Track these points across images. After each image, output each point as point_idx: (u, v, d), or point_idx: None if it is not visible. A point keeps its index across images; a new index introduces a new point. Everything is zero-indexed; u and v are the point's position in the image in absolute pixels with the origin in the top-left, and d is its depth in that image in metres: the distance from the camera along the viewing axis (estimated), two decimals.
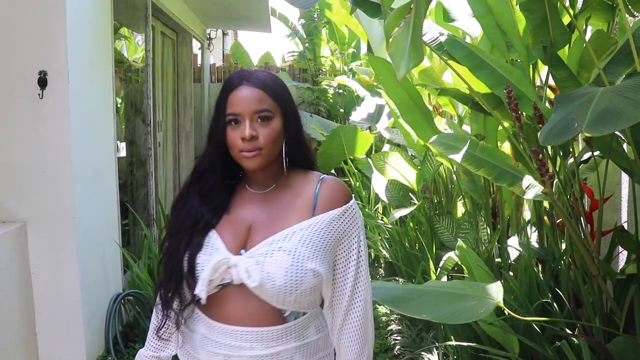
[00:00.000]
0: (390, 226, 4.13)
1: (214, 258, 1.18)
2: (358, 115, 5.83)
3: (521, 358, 2.31)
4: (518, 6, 2.36)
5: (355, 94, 7.02)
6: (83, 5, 3.02)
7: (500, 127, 2.89)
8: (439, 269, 3.20)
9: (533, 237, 2.88)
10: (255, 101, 1.21)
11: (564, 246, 2.61)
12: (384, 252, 4.49)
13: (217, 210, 1.27)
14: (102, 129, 3.34)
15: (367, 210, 5.05)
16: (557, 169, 2.46)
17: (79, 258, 2.92)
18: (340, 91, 7.75)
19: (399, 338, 3.45)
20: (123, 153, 3.87)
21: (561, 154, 2.38)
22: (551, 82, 2.55)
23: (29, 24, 2.76)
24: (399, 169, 4.00)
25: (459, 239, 3.06)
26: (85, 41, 3.07)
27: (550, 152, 2.45)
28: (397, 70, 1.72)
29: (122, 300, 3.35)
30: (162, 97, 5.50)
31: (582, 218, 2.26)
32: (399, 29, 1.81)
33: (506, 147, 3.17)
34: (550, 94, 2.64)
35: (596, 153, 2.24)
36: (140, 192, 4.39)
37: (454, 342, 2.63)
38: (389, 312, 3.91)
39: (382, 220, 4.69)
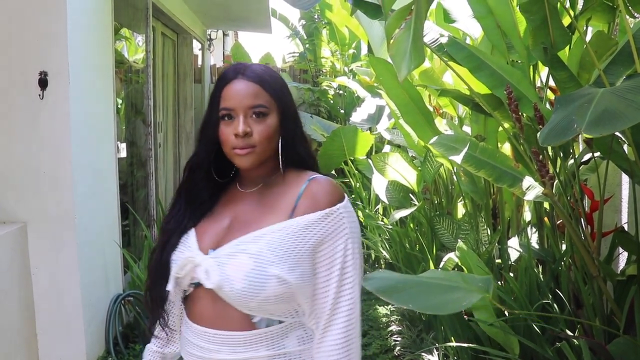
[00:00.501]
0: (390, 227, 4.13)
1: (184, 256, 1.16)
2: (358, 116, 5.83)
3: (521, 359, 2.31)
4: (518, 7, 2.36)
5: (356, 94, 7.02)
6: (83, 6, 3.02)
7: (500, 128, 2.89)
8: (439, 270, 3.20)
9: (533, 238, 2.88)
10: (250, 96, 1.15)
11: (564, 247, 2.61)
12: (384, 253, 4.49)
13: (201, 208, 1.23)
14: (102, 129, 3.34)
15: (367, 211, 5.05)
16: (558, 170, 2.46)
17: (79, 259, 2.92)
18: (341, 92, 7.75)
19: (399, 339, 3.45)
20: (123, 154, 3.87)
21: (561, 155, 2.39)
22: (551, 83, 2.55)
23: (29, 25, 2.76)
24: (400, 170, 4.00)
25: (459, 240, 3.06)
26: (86, 42, 3.07)
27: (550, 153, 2.45)
28: (398, 72, 1.72)
29: (123, 301, 3.35)
30: (163, 97, 5.51)
31: (582, 219, 2.26)
32: (400, 30, 1.81)
33: (506, 148, 3.17)
34: (550, 95, 2.64)
35: (596, 154, 2.24)
36: (140, 192, 4.39)
37: (454, 343, 2.63)
38: (389, 312, 3.91)
39: (382, 221, 4.69)
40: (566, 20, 2.32)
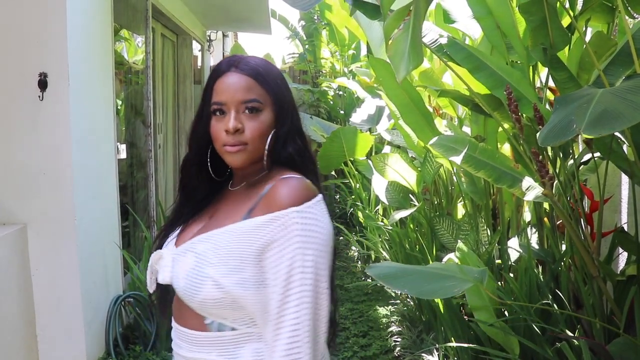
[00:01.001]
0: (390, 228, 4.13)
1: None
2: (358, 116, 5.83)
3: (521, 359, 2.31)
4: (518, 8, 2.36)
5: (356, 95, 7.02)
6: (83, 7, 3.03)
7: (500, 129, 2.89)
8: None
9: (533, 238, 2.88)
10: (242, 90, 1.09)
11: (564, 247, 2.61)
12: (384, 253, 4.49)
13: (196, 207, 1.19)
14: (102, 130, 3.34)
15: (367, 211, 5.05)
16: (557, 170, 2.46)
17: (79, 260, 2.92)
18: (341, 93, 7.76)
19: (399, 340, 3.45)
20: (123, 155, 3.87)
21: (561, 155, 2.39)
22: (551, 83, 2.55)
23: (29, 26, 2.76)
24: (399, 171, 4.00)
25: (459, 241, 3.06)
26: (86, 43, 3.07)
27: (550, 154, 2.45)
28: (397, 73, 1.72)
29: (123, 302, 3.35)
30: (163, 98, 5.51)
31: (582, 219, 2.26)
32: (399, 31, 1.82)
33: (506, 149, 3.17)
34: (550, 96, 2.64)
35: (596, 154, 2.24)
36: (140, 193, 4.39)
37: (454, 344, 2.63)
38: (389, 313, 3.91)
39: (382, 221, 4.69)
40: (566, 21, 2.32)
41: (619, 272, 2.32)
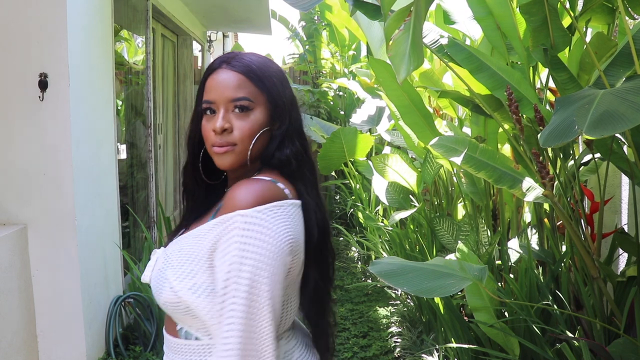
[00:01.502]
0: (390, 228, 4.13)
1: None
2: (358, 117, 5.84)
3: None
4: (518, 9, 2.36)
5: (356, 96, 7.03)
6: (84, 8, 3.03)
7: (500, 130, 2.89)
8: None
9: (533, 239, 2.88)
10: (232, 88, 1.03)
11: (564, 248, 2.61)
12: (384, 254, 4.49)
13: (199, 209, 1.15)
14: (102, 131, 3.34)
15: (367, 212, 5.05)
16: (558, 171, 2.46)
17: (80, 260, 2.92)
18: (341, 93, 7.76)
19: (399, 340, 3.45)
20: (123, 155, 3.88)
21: (561, 156, 2.39)
22: (551, 84, 2.55)
23: (30, 27, 2.77)
24: (400, 171, 4.00)
25: (459, 241, 3.06)
26: (86, 43, 3.07)
27: (550, 155, 2.45)
28: (397, 74, 1.72)
29: (123, 303, 3.35)
30: (163, 99, 5.51)
31: (582, 220, 2.26)
32: (399, 32, 1.82)
33: (506, 150, 3.17)
34: (550, 96, 2.64)
35: (596, 155, 2.24)
36: (140, 194, 4.39)
37: (454, 345, 2.63)
38: (389, 314, 3.91)
39: (382, 222, 4.69)
40: (566, 22, 2.32)
41: (619, 273, 2.32)
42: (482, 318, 2.37)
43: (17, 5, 2.76)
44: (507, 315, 2.50)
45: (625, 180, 2.63)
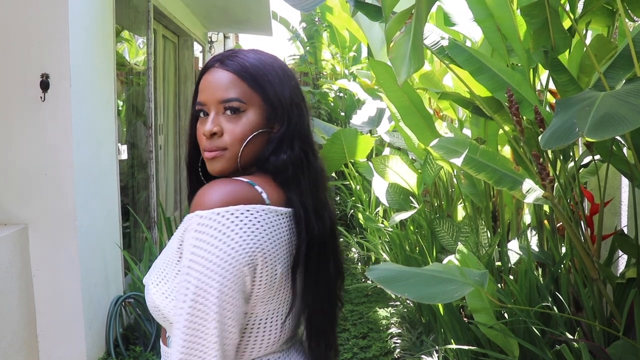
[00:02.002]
0: (390, 229, 4.13)
1: None
2: (359, 118, 5.84)
3: None
4: (519, 10, 2.37)
5: (356, 97, 7.04)
6: (85, 8, 3.03)
7: (500, 131, 2.89)
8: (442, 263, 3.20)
9: (533, 240, 2.88)
10: (222, 88, 0.96)
11: (564, 250, 2.61)
12: (385, 255, 4.50)
13: None
14: (103, 131, 3.35)
15: (367, 213, 5.05)
16: (558, 172, 2.46)
17: (80, 260, 2.93)
18: (341, 94, 7.77)
19: (399, 341, 3.46)
20: (124, 156, 3.88)
21: (561, 157, 2.39)
22: (552, 86, 2.55)
23: (31, 27, 2.77)
24: (400, 173, 4.01)
25: (459, 243, 3.06)
26: (87, 44, 3.08)
27: (550, 156, 2.45)
28: (398, 76, 1.73)
29: (123, 303, 3.36)
30: (164, 100, 5.51)
31: (582, 222, 2.26)
32: (400, 34, 1.82)
33: (507, 151, 3.18)
34: (550, 98, 2.65)
35: (596, 157, 2.24)
36: (141, 194, 4.40)
37: (454, 346, 2.63)
38: (389, 315, 3.92)
39: (382, 223, 4.70)
40: (566, 24, 2.32)
41: (618, 275, 2.32)
42: (481, 319, 2.37)
43: (19, 6, 2.76)
44: (507, 317, 2.50)
45: (625, 182, 2.63)
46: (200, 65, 7.36)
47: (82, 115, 2.95)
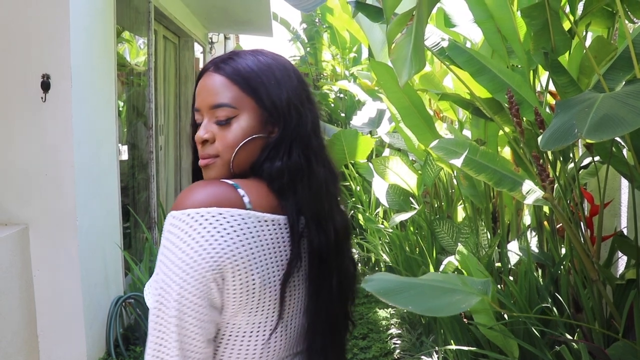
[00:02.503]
0: (390, 230, 4.14)
1: None
2: (359, 119, 5.85)
3: None
4: (519, 12, 2.37)
5: (357, 98, 7.04)
6: (86, 9, 3.04)
7: (500, 132, 2.90)
8: (439, 272, 3.20)
9: (533, 241, 2.89)
10: (213, 93, 0.92)
11: (563, 251, 2.61)
12: (385, 256, 4.50)
13: None
14: (104, 132, 3.36)
15: (367, 214, 5.06)
16: (558, 174, 2.47)
17: (81, 260, 2.93)
18: (342, 95, 7.78)
19: (398, 342, 3.46)
20: (125, 156, 3.88)
21: (561, 159, 2.39)
22: (551, 87, 2.56)
23: (32, 28, 2.78)
24: (400, 174, 4.01)
25: (459, 244, 3.07)
26: (88, 45, 3.08)
27: (550, 157, 2.46)
28: (399, 77, 1.73)
29: (123, 303, 3.36)
30: (164, 100, 5.52)
31: (582, 223, 2.26)
32: (401, 36, 1.83)
33: (507, 152, 3.18)
34: (550, 100, 2.65)
35: (596, 158, 2.25)
36: (141, 195, 4.40)
37: (453, 346, 2.64)
38: (389, 316, 3.92)
39: (382, 224, 4.70)
40: (566, 25, 2.33)
41: (618, 276, 2.32)
42: (481, 320, 2.37)
43: (20, 7, 2.77)
44: (507, 318, 2.50)
45: (624, 183, 2.64)
46: (201, 66, 7.37)
47: (82, 115, 2.95)
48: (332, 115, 7.79)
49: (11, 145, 2.84)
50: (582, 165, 2.54)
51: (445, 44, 2.49)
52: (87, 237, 3.02)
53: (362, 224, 5.30)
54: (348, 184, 5.88)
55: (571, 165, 2.43)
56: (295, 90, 0.96)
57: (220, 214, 0.84)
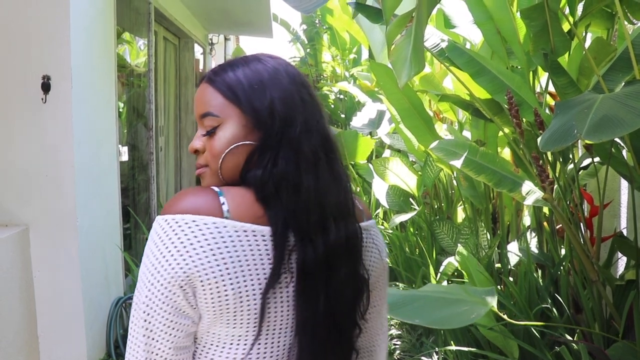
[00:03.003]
0: (390, 231, 4.14)
1: None
2: (359, 120, 5.84)
3: None
4: (518, 13, 2.38)
5: (356, 99, 7.05)
6: (86, 10, 3.04)
7: (500, 133, 2.90)
8: (439, 274, 3.21)
9: (533, 242, 2.89)
10: (201, 103, 0.93)
11: (563, 252, 2.62)
12: None
13: None
14: (104, 133, 3.36)
15: None
16: (557, 175, 2.47)
17: (81, 261, 2.93)
18: (342, 97, 7.78)
19: (399, 343, 3.46)
20: (125, 157, 3.89)
21: (561, 160, 2.40)
22: (551, 88, 2.57)
23: (32, 29, 2.78)
24: (400, 175, 4.01)
25: (459, 245, 3.07)
26: (88, 46, 3.09)
27: (550, 158, 2.46)
28: (399, 79, 1.74)
29: (124, 304, 3.36)
30: (164, 101, 5.52)
31: (581, 224, 2.27)
32: (401, 37, 1.83)
33: (506, 153, 3.19)
34: (550, 101, 2.66)
35: (596, 159, 2.25)
36: (141, 196, 4.40)
37: (453, 347, 2.64)
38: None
39: (382, 225, 4.70)
40: (566, 26, 2.33)
41: (618, 277, 2.33)
42: (481, 321, 2.38)
43: (21, 8, 2.77)
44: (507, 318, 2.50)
45: (624, 184, 2.64)
46: (201, 67, 7.38)
47: (82, 115, 2.95)
48: (332, 117, 7.79)
49: (11, 146, 2.84)
50: (581, 166, 2.54)
51: (444, 45, 2.50)
52: (87, 237, 3.02)
53: None
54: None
55: (571, 166, 2.43)
56: (284, 92, 0.91)
57: (194, 221, 0.83)
